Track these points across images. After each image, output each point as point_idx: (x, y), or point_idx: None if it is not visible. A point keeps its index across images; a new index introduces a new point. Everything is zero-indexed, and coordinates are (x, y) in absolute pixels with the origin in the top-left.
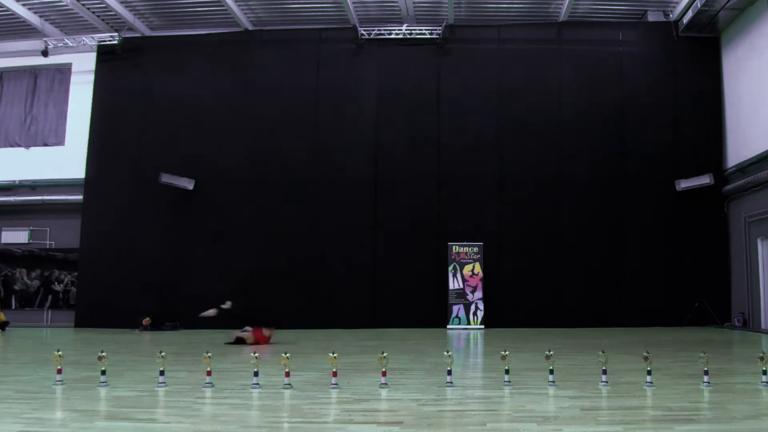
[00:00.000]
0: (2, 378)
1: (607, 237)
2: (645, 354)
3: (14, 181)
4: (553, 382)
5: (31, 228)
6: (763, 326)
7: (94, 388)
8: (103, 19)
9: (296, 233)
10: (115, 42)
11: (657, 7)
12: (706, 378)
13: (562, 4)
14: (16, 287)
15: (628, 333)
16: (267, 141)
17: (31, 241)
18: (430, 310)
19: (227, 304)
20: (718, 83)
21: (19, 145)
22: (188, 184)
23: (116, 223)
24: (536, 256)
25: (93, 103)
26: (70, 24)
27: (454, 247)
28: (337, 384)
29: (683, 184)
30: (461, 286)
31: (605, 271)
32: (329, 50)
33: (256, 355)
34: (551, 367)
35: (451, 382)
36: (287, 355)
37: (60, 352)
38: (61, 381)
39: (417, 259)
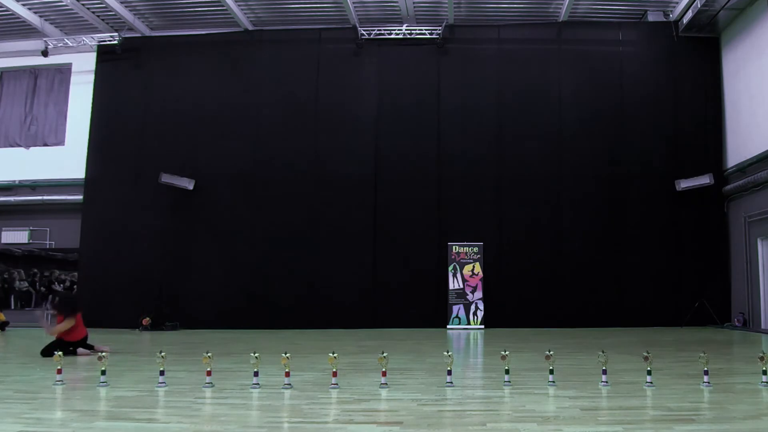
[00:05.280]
0: (2, 378)
1: (607, 237)
2: (645, 354)
3: (14, 181)
4: (553, 382)
5: (31, 228)
6: (763, 326)
7: (94, 388)
8: (103, 19)
9: (296, 232)
10: (115, 42)
11: (657, 7)
12: (706, 378)
13: (562, 4)
14: (15, 287)
15: (628, 333)
16: (267, 141)
17: (31, 241)
18: (430, 310)
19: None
20: (718, 83)
21: (19, 145)
22: (188, 184)
23: (116, 223)
24: (536, 256)
25: (93, 103)
26: (70, 24)
27: (454, 247)
28: (337, 384)
29: (683, 184)
30: (461, 286)
31: (605, 270)
32: (329, 50)
33: (257, 355)
34: (551, 367)
35: (451, 382)
36: (287, 355)
37: (60, 352)
38: (61, 381)
39: (417, 259)
